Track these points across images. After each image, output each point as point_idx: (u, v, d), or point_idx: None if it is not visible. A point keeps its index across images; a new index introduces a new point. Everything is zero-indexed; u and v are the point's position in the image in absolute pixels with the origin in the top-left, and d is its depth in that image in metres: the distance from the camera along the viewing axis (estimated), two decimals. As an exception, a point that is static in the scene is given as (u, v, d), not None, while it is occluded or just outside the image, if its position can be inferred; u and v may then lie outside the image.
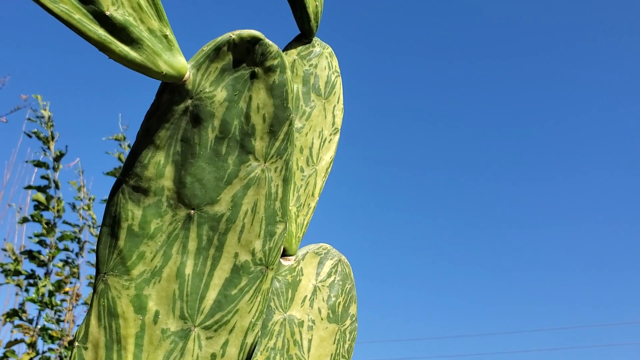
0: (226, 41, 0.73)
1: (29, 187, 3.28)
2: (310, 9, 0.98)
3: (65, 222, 3.35)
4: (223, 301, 0.73)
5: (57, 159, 3.31)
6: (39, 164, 3.28)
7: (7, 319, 3.05)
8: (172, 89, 0.72)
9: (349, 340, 0.99)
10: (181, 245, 0.72)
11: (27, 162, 3.27)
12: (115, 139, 3.54)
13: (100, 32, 0.64)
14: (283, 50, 1.01)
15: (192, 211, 0.73)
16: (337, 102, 1.04)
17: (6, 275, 3.10)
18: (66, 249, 3.27)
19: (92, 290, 0.72)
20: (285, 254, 0.97)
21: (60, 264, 3.25)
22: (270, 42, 0.75)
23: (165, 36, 0.69)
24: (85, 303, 3.24)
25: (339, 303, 0.99)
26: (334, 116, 1.04)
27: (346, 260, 1.02)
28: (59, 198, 3.25)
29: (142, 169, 0.71)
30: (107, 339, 0.70)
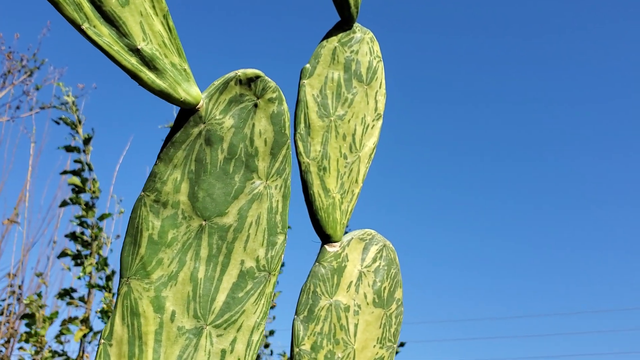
0: (233, 77, 0.85)
1: (65, 172, 3.31)
2: None
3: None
4: (231, 303, 0.82)
5: (86, 141, 3.31)
6: (69, 149, 3.30)
7: (59, 298, 3.09)
8: (188, 115, 0.83)
9: (395, 324, 1.02)
10: (194, 253, 0.82)
11: (58, 148, 3.27)
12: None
13: (132, 61, 0.75)
14: (324, 38, 1.03)
15: (204, 222, 0.83)
16: (380, 88, 1.05)
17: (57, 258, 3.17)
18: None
19: (116, 294, 0.80)
20: (330, 240, 0.98)
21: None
22: (269, 79, 0.87)
23: (184, 69, 0.80)
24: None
25: (385, 288, 1.01)
26: (376, 102, 1.05)
27: (391, 246, 1.03)
28: (94, 179, 3.27)
29: (162, 184, 0.81)
30: (130, 336, 0.78)
